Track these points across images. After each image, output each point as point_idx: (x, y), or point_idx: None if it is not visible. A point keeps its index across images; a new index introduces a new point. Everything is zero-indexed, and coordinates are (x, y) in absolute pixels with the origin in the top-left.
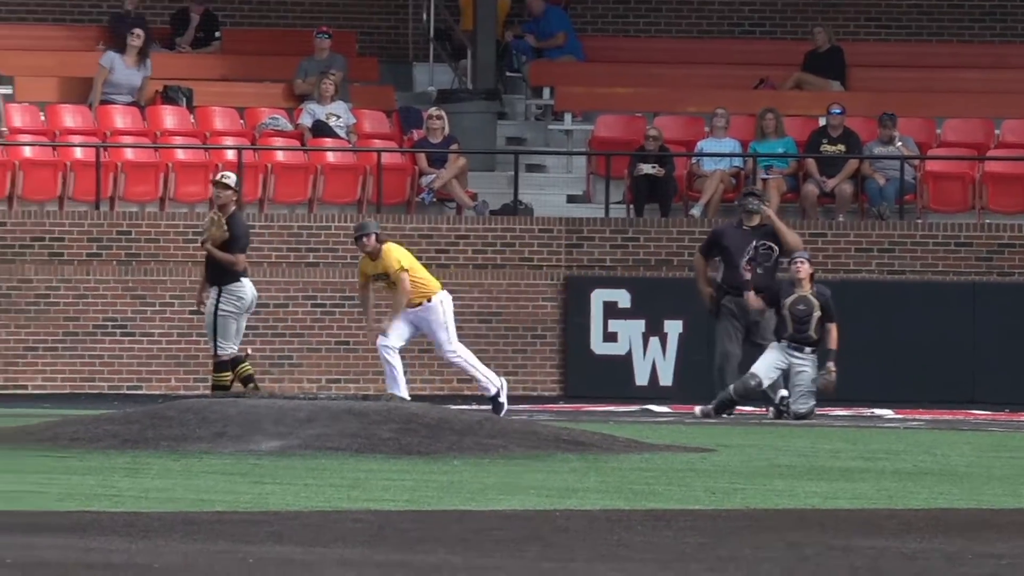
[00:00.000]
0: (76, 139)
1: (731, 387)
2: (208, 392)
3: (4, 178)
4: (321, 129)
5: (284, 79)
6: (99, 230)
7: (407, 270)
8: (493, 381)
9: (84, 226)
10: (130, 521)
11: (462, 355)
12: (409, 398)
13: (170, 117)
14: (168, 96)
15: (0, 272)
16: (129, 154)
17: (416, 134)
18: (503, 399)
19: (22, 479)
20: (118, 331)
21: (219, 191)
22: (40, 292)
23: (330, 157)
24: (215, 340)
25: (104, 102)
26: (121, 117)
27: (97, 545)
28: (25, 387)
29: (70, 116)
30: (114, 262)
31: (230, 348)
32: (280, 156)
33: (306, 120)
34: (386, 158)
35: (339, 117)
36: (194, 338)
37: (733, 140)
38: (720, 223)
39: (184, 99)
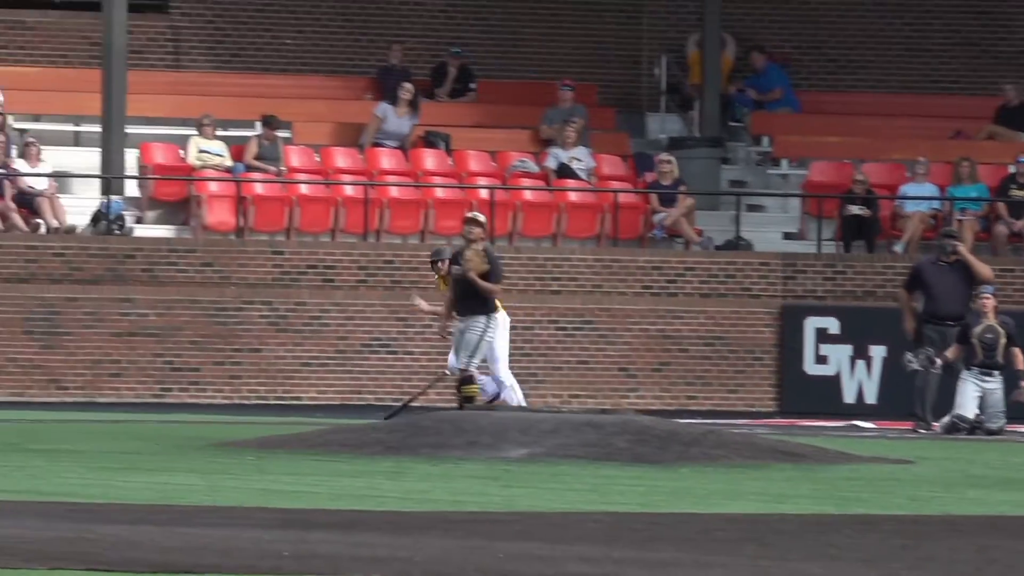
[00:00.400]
0: (347, 178)
1: (944, 425)
2: (456, 405)
3: (283, 212)
4: (564, 171)
5: (532, 126)
6: (366, 259)
7: None
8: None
9: (353, 255)
10: (393, 519)
11: (506, 379)
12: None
13: (430, 159)
14: (429, 140)
15: (279, 296)
16: (394, 192)
17: (649, 176)
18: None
19: (298, 480)
20: (383, 349)
21: (471, 227)
22: (314, 314)
23: (572, 196)
24: (470, 357)
25: (374, 145)
26: (387, 158)
27: (363, 540)
28: (300, 399)
29: (341, 157)
30: (379, 288)
31: (476, 365)
32: (528, 195)
33: (551, 163)
34: (622, 198)
35: (580, 161)
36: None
37: (932, 185)
38: (920, 259)
39: (443, 143)
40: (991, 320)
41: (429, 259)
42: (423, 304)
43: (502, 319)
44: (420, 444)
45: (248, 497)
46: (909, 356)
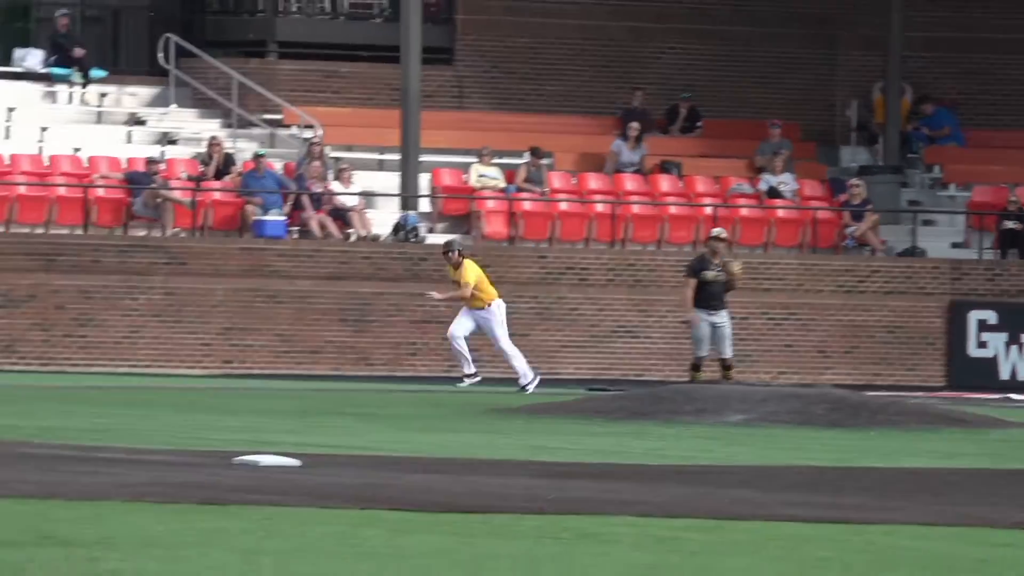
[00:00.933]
0: (598, 197)
1: None
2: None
3: (546, 225)
4: (773, 193)
5: (747, 156)
6: (613, 262)
7: (469, 284)
8: (527, 375)
9: (603, 259)
10: (636, 471)
11: (508, 350)
12: (474, 372)
13: (665, 182)
14: (664, 167)
15: (542, 292)
16: (635, 209)
17: (842, 197)
18: (530, 389)
19: (559, 439)
20: (627, 335)
21: (715, 243)
22: (571, 306)
23: (780, 213)
24: (727, 345)
25: (616, 171)
26: (630, 182)
27: (612, 487)
28: (559, 374)
29: (593, 181)
30: (624, 285)
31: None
32: (744, 212)
33: (763, 186)
34: (820, 214)
35: (786, 184)
36: (680, 339)
37: None
38: None
39: (675, 170)
40: None
41: (442, 249)
42: (436, 295)
43: (500, 306)
44: (658, 410)
45: (518, 452)
46: None
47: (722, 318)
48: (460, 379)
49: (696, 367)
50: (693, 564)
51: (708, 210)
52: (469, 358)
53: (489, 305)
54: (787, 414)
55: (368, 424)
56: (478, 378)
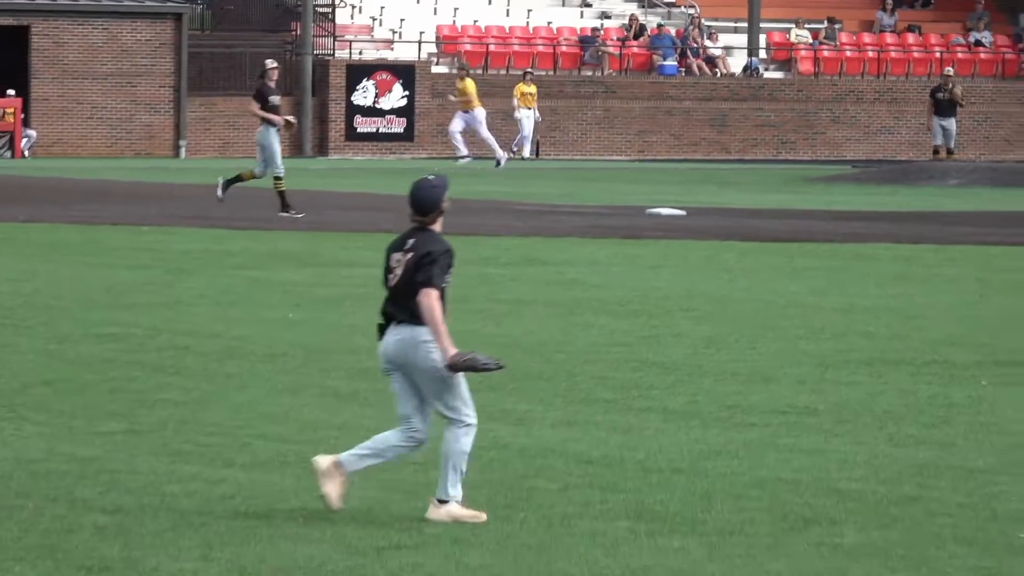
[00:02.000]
0: (869, 48)
1: None
2: None
3: (837, 65)
4: (978, 43)
5: (961, 20)
6: (881, 87)
7: (469, 93)
8: (500, 156)
9: (873, 85)
10: (892, 215)
11: (487, 138)
12: (466, 154)
13: (911, 38)
14: (910, 28)
15: (834, 106)
16: (892, 54)
17: (1021, 45)
18: (502, 164)
19: (843, 196)
20: (886, 132)
21: (946, 77)
22: (852, 114)
23: (982, 55)
24: (952, 139)
25: (880, 31)
26: (889, 37)
27: (877, 226)
28: (845, 157)
29: (866, 37)
30: (885, 101)
31: None
32: (960, 55)
33: (972, 39)
34: (1007, 56)
35: (986, 38)
36: (919, 133)
37: None
38: None
39: (917, 30)
40: None
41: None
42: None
43: (482, 113)
44: (905, 179)
45: (818, 204)
46: None
47: (949, 123)
48: (457, 159)
49: (936, 151)
50: (927, 273)
51: (937, 54)
52: (460, 146)
53: (474, 110)
54: (986, 179)
55: (726, 189)
56: (469, 159)
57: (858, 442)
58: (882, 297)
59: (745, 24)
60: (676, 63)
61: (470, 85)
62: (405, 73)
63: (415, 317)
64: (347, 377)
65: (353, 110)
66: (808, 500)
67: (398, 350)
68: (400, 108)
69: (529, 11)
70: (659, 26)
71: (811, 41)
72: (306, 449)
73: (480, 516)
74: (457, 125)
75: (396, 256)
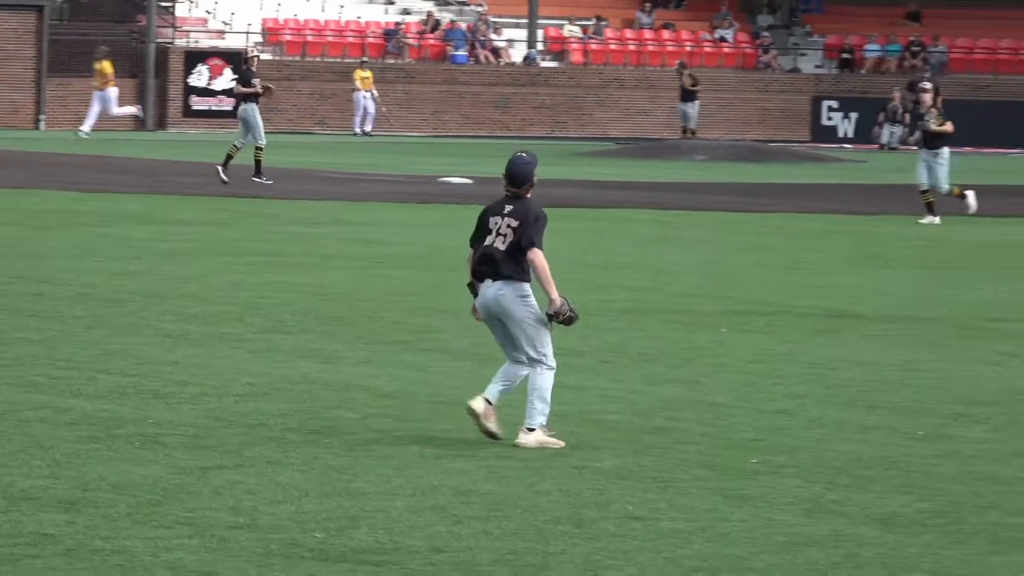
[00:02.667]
0: (630, 43)
1: None
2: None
3: (603, 57)
4: (723, 39)
5: (709, 20)
6: (639, 75)
7: (106, 74)
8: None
9: (635, 73)
10: (649, 185)
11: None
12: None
13: (666, 34)
14: (665, 26)
15: (600, 93)
16: (650, 47)
17: (758, 41)
18: (83, 135)
19: (609, 169)
20: (642, 114)
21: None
22: (614, 99)
23: (726, 49)
24: (692, 121)
25: (640, 28)
26: (647, 33)
27: (605, 194)
28: (609, 133)
29: (628, 33)
30: (641, 88)
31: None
32: (707, 49)
33: (716, 36)
34: (747, 50)
35: (729, 34)
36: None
37: None
38: None
39: (671, 27)
40: None
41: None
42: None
43: None
44: (660, 154)
45: (593, 176)
46: None
47: (689, 107)
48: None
49: (691, 132)
50: (677, 235)
51: (688, 48)
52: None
53: (107, 89)
54: (728, 155)
55: (506, 162)
56: (85, 132)
57: (616, 380)
58: (638, 255)
59: (525, 20)
60: (466, 53)
61: (107, 67)
62: (235, 59)
63: (521, 273)
64: (179, 320)
65: (189, 91)
66: (573, 429)
67: (498, 302)
68: (230, 89)
69: (341, 7)
70: (452, 21)
71: (581, 36)
72: (143, 382)
73: (560, 443)
74: (102, 105)
75: (495, 220)
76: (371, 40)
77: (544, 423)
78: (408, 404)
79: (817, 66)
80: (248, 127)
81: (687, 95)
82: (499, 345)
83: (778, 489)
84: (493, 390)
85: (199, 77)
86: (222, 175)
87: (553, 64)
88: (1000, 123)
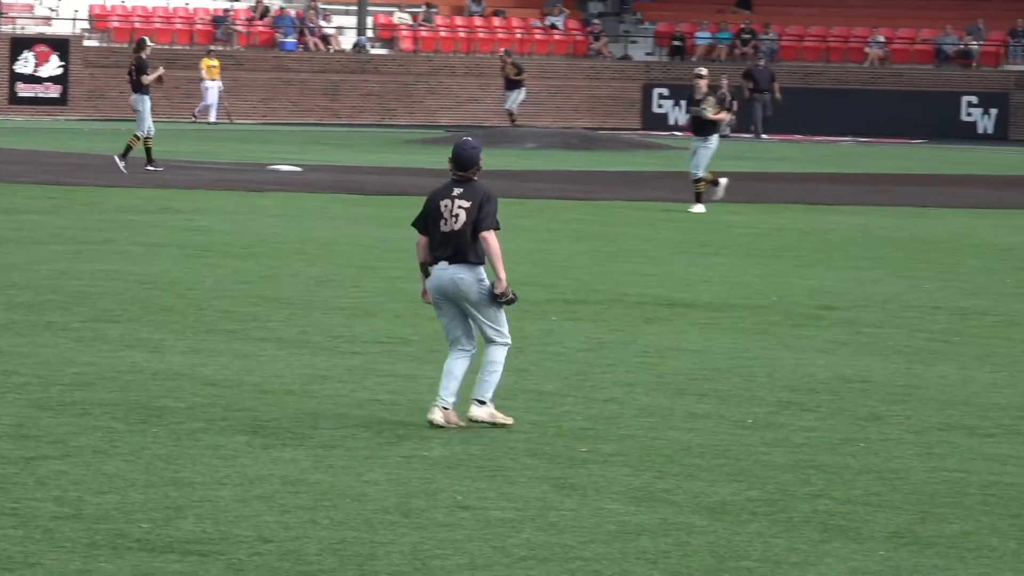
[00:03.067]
0: (460, 29)
1: None
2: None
3: (434, 44)
4: (554, 26)
5: (539, 6)
6: (471, 62)
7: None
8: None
9: (466, 60)
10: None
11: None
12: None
13: (496, 21)
14: (495, 12)
15: (431, 79)
16: (480, 34)
17: (588, 28)
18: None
19: (435, 157)
20: (474, 102)
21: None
22: (446, 86)
23: (556, 36)
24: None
25: (470, 14)
26: (478, 20)
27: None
28: (439, 122)
29: (458, 19)
30: (473, 75)
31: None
32: (538, 36)
33: (547, 23)
34: (578, 37)
35: (560, 21)
36: (506, 102)
37: None
38: None
39: (502, 13)
40: None
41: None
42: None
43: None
44: (490, 143)
45: (418, 164)
46: None
47: (514, 94)
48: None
49: (511, 118)
50: (508, 223)
51: (518, 35)
52: None
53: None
54: (559, 143)
55: (336, 149)
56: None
57: None
58: None
59: (355, 7)
60: (295, 40)
61: None
62: (61, 46)
63: (477, 257)
64: (4, 309)
65: (15, 77)
66: (402, 418)
67: (455, 284)
68: (56, 76)
69: None
70: (281, 8)
71: (411, 23)
72: None
73: (510, 419)
74: None
75: (445, 203)
76: (199, 27)
77: (492, 396)
78: (236, 393)
79: (648, 53)
80: (140, 117)
81: (511, 84)
82: (444, 327)
83: (608, 478)
84: (448, 392)
85: (25, 64)
86: (121, 166)
87: (383, 51)
88: (831, 111)
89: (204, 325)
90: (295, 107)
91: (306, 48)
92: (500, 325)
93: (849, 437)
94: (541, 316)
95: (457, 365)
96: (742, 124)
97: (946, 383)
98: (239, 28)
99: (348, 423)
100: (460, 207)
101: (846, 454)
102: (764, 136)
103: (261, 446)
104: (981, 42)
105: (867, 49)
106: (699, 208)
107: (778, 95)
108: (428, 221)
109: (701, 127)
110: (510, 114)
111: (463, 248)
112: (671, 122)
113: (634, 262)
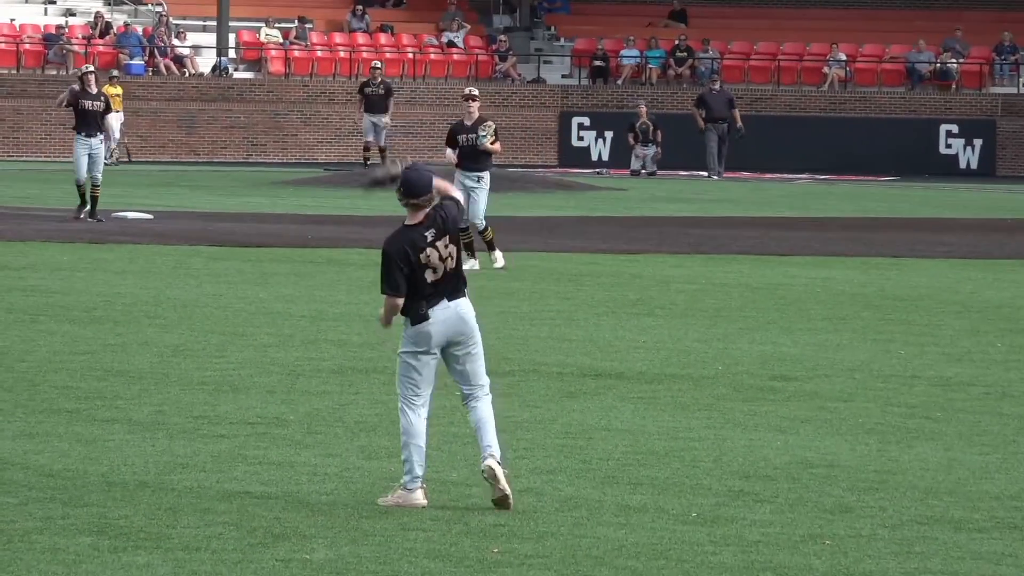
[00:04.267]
0: (341, 49)
1: None
2: None
3: (309, 65)
4: (451, 44)
5: (435, 21)
6: (352, 86)
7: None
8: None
9: (345, 86)
10: (367, 219)
11: None
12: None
13: (383, 38)
14: (382, 28)
15: (305, 108)
16: (364, 54)
17: (493, 47)
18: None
19: (313, 200)
20: (356, 134)
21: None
22: (323, 116)
23: (455, 56)
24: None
25: (352, 31)
26: (361, 38)
27: (352, 229)
28: (316, 159)
29: (338, 37)
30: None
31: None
32: (432, 56)
33: (445, 39)
34: (481, 57)
35: (459, 38)
36: (393, 138)
37: None
38: None
39: (390, 29)
40: None
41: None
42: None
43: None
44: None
45: (290, 208)
46: None
47: (380, 120)
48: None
49: (366, 148)
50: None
51: (410, 54)
52: None
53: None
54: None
55: (195, 192)
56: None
57: (329, 454)
58: (352, 304)
59: (214, 23)
60: (144, 62)
61: None
62: None
63: (465, 283)
64: None
65: None
66: (278, 514)
67: (463, 321)
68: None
69: None
70: (126, 24)
71: (282, 41)
72: None
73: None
74: None
75: (426, 254)
76: (27, 46)
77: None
78: (78, 486)
79: (565, 76)
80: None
81: (376, 104)
82: (415, 383)
83: None
84: (411, 473)
85: None
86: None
87: (249, 75)
88: (783, 143)
89: (38, 404)
90: (144, 142)
91: (156, 71)
92: (485, 370)
93: (812, 533)
94: (443, 391)
95: (417, 430)
96: (695, 162)
97: (927, 468)
98: (75, 48)
99: (213, 520)
100: (446, 248)
101: (809, 553)
102: (725, 175)
103: (109, 549)
104: (961, 60)
105: (826, 69)
106: (499, 259)
107: (739, 123)
108: (406, 280)
109: (475, 160)
110: (379, 147)
111: (458, 282)
112: (594, 157)
113: (552, 325)
